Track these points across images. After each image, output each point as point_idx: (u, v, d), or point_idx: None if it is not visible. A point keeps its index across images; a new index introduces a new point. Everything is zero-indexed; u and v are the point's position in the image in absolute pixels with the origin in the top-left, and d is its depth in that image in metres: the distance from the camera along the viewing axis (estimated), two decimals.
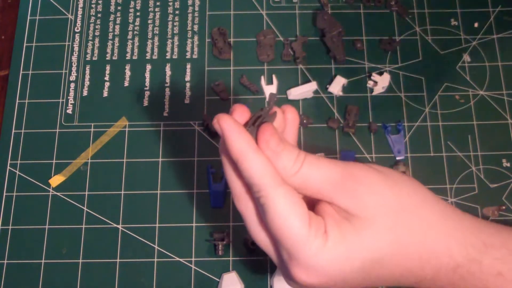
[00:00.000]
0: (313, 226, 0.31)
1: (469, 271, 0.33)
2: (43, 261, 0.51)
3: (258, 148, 0.32)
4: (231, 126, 0.32)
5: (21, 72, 0.58)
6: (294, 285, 0.34)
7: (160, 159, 0.54)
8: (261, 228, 0.34)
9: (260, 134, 0.32)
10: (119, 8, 0.61)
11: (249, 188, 0.33)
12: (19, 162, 0.54)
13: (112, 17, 0.61)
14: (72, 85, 0.58)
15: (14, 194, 0.53)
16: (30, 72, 0.58)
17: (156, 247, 0.51)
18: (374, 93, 0.56)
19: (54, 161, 0.54)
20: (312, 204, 0.34)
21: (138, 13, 0.61)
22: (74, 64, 0.59)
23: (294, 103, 0.56)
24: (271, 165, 0.32)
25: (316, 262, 0.31)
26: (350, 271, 0.32)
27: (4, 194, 0.53)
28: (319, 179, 0.32)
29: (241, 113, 0.33)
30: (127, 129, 0.56)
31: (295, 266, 0.32)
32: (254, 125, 0.33)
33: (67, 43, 0.59)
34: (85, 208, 0.53)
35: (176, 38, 0.60)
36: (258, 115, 0.33)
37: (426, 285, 0.34)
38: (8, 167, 0.54)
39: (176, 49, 0.59)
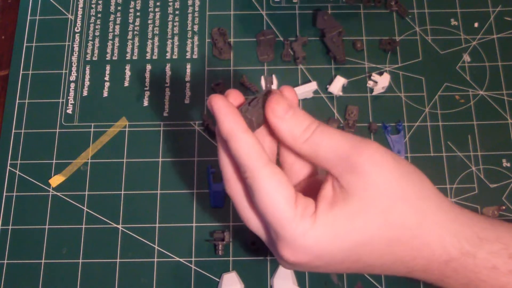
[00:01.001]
0: (299, 206, 0.32)
1: (462, 264, 0.33)
2: (43, 261, 0.51)
3: (248, 129, 0.32)
4: (222, 106, 0.32)
5: (21, 72, 0.58)
6: (286, 265, 0.35)
7: (160, 159, 0.54)
8: (251, 211, 0.34)
9: (267, 102, 0.33)
10: (119, 8, 0.61)
11: (239, 169, 0.33)
12: (19, 162, 0.54)
13: (112, 17, 0.61)
14: (72, 85, 0.58)
15: (14, 194, 0.53)
16: (30, 72, 0.58)
17: (156, 247, 0.51)
18: (374, 93, 0.56)
19: (54, 161, 0.54)
20: (315, 189, 0.34)
21: (138, 13, 0.61)
22: (74, 64, 0.59)
23: None
24: (259, 146, 0.32)
25: (303, 241, 0.32)
26: (339, 251, 0.32)
27: (4, 194, 0.53)
28: (328, 149, 0.33)
29: (235, 97, 0.34)
30: (127, 129, 0.56)
31: (282, 246, 0.32)
32: (249, 105, 0.33)
33: (67, 43, 0.59)
34: (85, 208, 0.53)
35: (176, 38, 0.60)
36: (254, 97, 0.34)
37: (417, 275, 0.34)
38: (8, 167, 0.54)
39: (176, 49, 0.59)
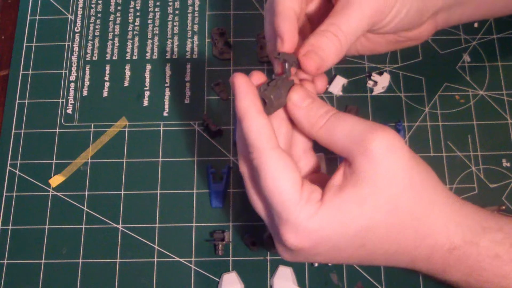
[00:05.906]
0: (305, 191, 0.32)
1: (465, 253, 0.33)
2: (43, 261, 0.51)
3: (262, 111, 0.33)
4: (242, 84, 0.33)
5: (21, 72, 0.58)
6: (286, 253, 0.35)
7: (160, 159, 0.54)
8: (257, 192, 0.35)
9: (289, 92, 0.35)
10: (119, 8, 0.61)
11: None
12: (19, 162, 0.54)
13: (112, 17, 0.61)
14: (72, 85, 0.58)
15: (14, 194, 0.53)
16: (30, 72, 0.58)
17: (156, 247, 0.51)
18: (374, 93, 0.56)
19: (54, 161, 0.54)
20: (319, 185, 0.34)
21: (138, 13, 0.61)
22: (74, 64, 0.59)
23: None
24: (270, 129, 0.33)
25: (307, 225, 0.32)
26: (343, 236, 0.32)
27: (4, 194, 0.53)
28: (343, 133, 0.33)
29: (258, 79, 0.35)
30: (127, 129, 0.56)
31: (286, 229, 0.32)
32: (268, 85, 0.34)
33: (67, 43, 0.59)
34: (85, 208, 0.53)
35: (176, 38, 0.60)
36: (273, 79, 0.35)
37: (420, 265, 0.35)
38: (8, 167, 0.54)
39: (176, 49, 0.59)
